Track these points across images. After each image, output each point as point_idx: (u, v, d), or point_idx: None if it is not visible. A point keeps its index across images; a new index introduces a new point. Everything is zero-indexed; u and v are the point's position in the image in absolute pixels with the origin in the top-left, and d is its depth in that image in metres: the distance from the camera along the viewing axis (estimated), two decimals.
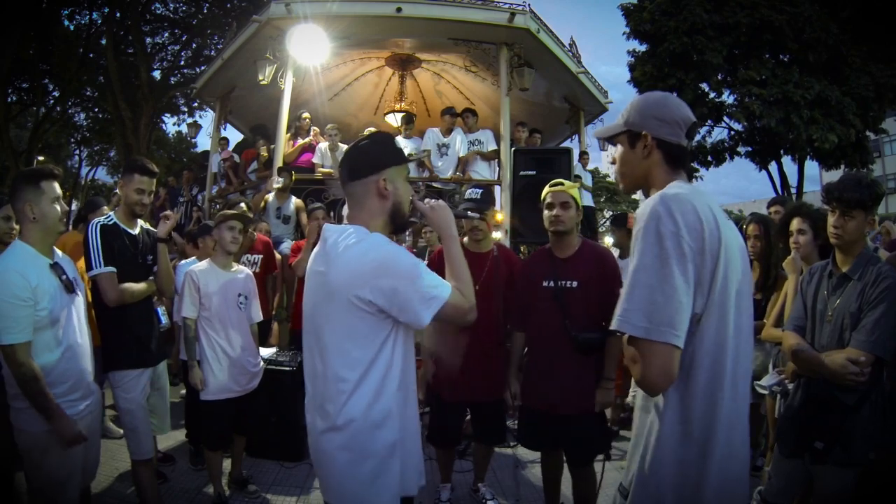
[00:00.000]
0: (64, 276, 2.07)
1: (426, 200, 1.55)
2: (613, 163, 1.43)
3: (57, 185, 2.11)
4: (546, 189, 2.59)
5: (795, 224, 2.64)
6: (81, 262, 2.55)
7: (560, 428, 2.49)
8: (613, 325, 1.12)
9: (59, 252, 2.23)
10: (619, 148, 1.36)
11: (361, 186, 1.46)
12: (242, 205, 4.13)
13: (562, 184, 2.57)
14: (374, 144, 1.52)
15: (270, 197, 5.52)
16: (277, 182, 5.35)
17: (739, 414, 1.18)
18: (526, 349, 2.78)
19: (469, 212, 2.22)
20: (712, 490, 1.13)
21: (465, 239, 2.95)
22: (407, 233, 5.32)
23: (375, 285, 1.32)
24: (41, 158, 19.74)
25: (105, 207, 3.70)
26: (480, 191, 2.84)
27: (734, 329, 1.16)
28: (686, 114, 1.29)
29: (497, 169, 6.31)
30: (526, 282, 2.70)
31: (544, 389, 2.51)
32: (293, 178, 5.55)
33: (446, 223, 1.52)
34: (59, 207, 2.09)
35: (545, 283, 2.55)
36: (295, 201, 5.55)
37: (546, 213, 2.55)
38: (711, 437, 1.13)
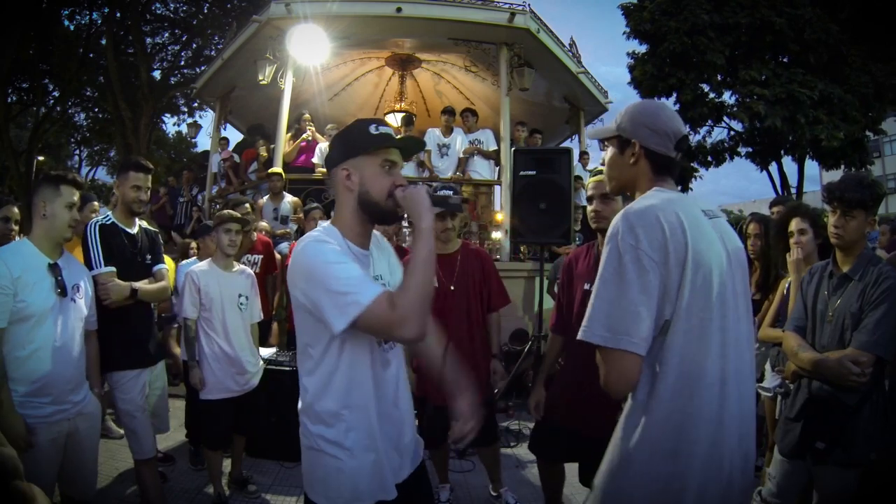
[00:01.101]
0: (59, 278, 2.05)
1: (407, 187, 1.36)
2: (604, 164, 1.45)
3: (76, 194, 2.15)
4: (588, 179, 2.33)
5: (796, 224, 2.64)
6: None
7: (583, 447, 2.22)
8: (578, 336, 1.19)
9: (74, 259, 2.24)
10: (610, 151, 1.40)
11: (333, 178, 1.41)
12: (247, 205, 4.13)
13: (600, 171, 2.22)
14: (342, 133, 1.43)
15: (266, 200, 5.52)
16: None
17: (734, 415, 1.18)
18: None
19: (450, 199, 1.78)
20: (693, 495, 1.14)
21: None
22: (407, 234, 5.32)
23: (301, 289, 1.30)
24: (41, 158, 19.77)
25: (95, 203, 3.70)
26: (451, 191, 2.74)
27: (719, 331, 1.17)
28: (677, 127, 1.31)
29: (497, 169, 6.31)
30: (566, 280, 2.48)
31: (571, 405, 2.28)
32: (284, 178, 5.57)
33: (417, 211, 1.29)
34: (69, 214, 2.11)
35: (586, 287, 2.28)
36: (291, 200, 5.55)
37: (588, 207, 2.29)
38: (685, 440, 1.14)
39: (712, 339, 1.16)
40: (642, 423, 1.18)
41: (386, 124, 1.42)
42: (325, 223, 1.44)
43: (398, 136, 1.43)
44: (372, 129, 1.36)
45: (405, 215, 1.41)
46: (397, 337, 1.27)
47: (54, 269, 2.06)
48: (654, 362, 1.17)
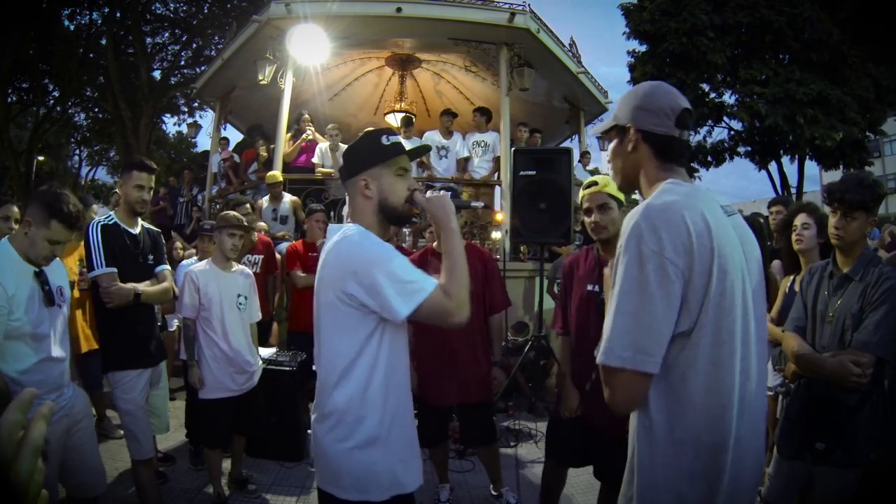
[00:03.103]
0: (46, 287, 2.01)
1: (427, 193, 1.50)
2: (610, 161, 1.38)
3: (64, 234, 2.01)
4: (581, 192, 2.31)
5: (801, 219, 2.64)
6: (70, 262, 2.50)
7: (594, 446, 2.28)
8: (599, 360, 1.10)
9: (55, 261, 2.21)
10: (611, 144, 1.31)
11: (351, 187, 1.51)
12: (248, 206, 4.13)
13: (596, 183, 2.24)
14: (357, 145, 1.53)
15: (265, 202, 5.51)
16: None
17: (752, 424, 1.13)
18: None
19: (471, 203, 1.91)
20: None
21: (436, 243, 2.90)
22: (407, 233, 5.32)
23: (356, 280, 1.33)
24: (41, 158, 19.74)
25: (95, 206, 3.69)
26: (450, 193, 2.77)
27: (741, 344, 1.09)
28: (674, 101, 1.20)
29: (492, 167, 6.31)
30: (569, 283, 2.50)
31: (588, 405, 2.28)
32: (283, 179, 5.57)
33: (445, 214, 1.43)
34: (49, 248, 1.99)
35: (590, 287, 2.31)
36: (290, 199, 5.54)
37: (585, 219, 2.26)
38: (720, 454, 1.07)
39: (735, 354, 1.08)
40: (671, 442, 1.09)
41: (394, 133, 1.52)
42: (350, 225, 1.48)
43: (413, 146, 1.54)
44: (384, 140, 1.47)
45: (418, 216, 1.53)
46: (452, 322, 1.35)
47: (40, 276, 2.01)
48: (670, 376, 1.07)
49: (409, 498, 1.48)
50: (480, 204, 2.04)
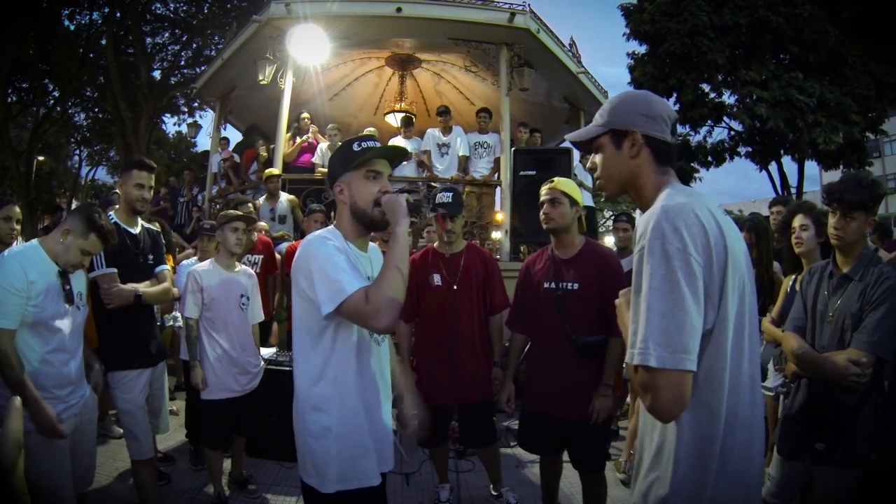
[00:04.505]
0: (67, 287, 2.09)
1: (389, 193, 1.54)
2: (592, 170, 1.35)
3: (99, 243, 2.15)
4: (543, 186, 2.56)
5: (798, 220, 2.64)
6: None
7: (561, 433, 2.46)
8: (633, 361, 1.07)
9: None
10: (603, 150, 1.28)
11: (334, 194, 1.62)
12: (249, 205, 4.13)
13: (552, 181, 2.52)
14: (334, 153, 1.65)
15: (262, 201, 5.51)
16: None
17: (756, 419, 1.16)
18: (525, 351, 2.74)
19: (438, 209, 2.04)
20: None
21: (437, 243, 2.96)
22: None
23: (304, 274, 1.47)
24: (41, 158, 19.73)
25: (116, 206, 3.70)
26: (451, 193, 2.82)
27: (748, 336, 1.13)
28: (670, 110, 1.27)
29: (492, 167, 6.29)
30: (526, 282, 2.66)
31: (544, 393, 2.48)
32: (280, 178, 5.57)
33: (392, 216, 1.49)
34: (79, 258, 2.12)
35: (546, 285, 2.51)
36: (287, 198, 5.54)
37: (541, 211, 2.52)
38: (730, 447, 1.10)
39: (745, 344, 1.12)
40: (696, 438, 1.10)
41: (370, 138, 1.59)
42: (330, 226, 1.62)
43: (383, 145, 1.58)
44: (355, 146, 1.55)
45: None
46: (370, 326, 1.42)
47: (63, 276, 2.09)
48: (696, 373, 1.07)
49: (367, 493, 1.52)
50: (428, 212, 2.07)
